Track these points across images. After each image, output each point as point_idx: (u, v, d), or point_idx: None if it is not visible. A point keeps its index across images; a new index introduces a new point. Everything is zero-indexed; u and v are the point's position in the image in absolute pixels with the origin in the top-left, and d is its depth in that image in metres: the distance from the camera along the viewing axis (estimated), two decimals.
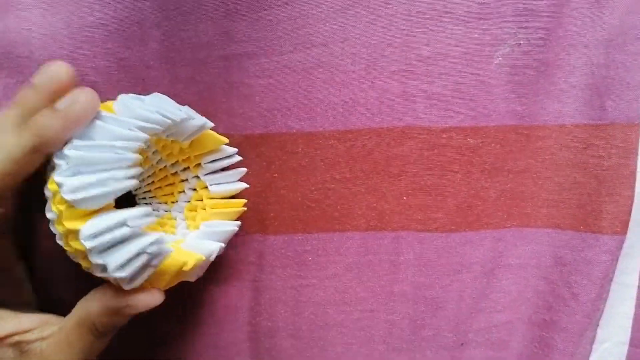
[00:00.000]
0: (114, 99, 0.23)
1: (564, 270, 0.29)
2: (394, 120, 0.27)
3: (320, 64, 0.26)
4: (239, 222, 0.27)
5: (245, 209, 0.27)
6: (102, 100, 0.22)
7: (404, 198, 0.28)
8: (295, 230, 0.28)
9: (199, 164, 0.27)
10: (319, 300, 0.28)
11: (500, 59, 0.27)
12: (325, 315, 0.29)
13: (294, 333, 0.29)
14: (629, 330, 0.30)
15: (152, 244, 0.21)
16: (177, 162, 0.26)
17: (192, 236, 0.25)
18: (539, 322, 0.30)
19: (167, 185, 0.27)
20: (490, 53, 0.27)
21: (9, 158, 0.21)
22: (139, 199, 0.27)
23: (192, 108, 0.25)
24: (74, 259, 0.22)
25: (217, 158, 0.26)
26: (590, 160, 0.28)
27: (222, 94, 0.27)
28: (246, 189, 0.28)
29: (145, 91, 0.27)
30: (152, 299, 0.22)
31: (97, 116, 0.21)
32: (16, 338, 0.23)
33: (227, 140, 0.26)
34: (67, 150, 0.20)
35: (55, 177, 0.20)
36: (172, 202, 0.27)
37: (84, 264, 0.21)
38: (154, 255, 0.21)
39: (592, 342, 0.30)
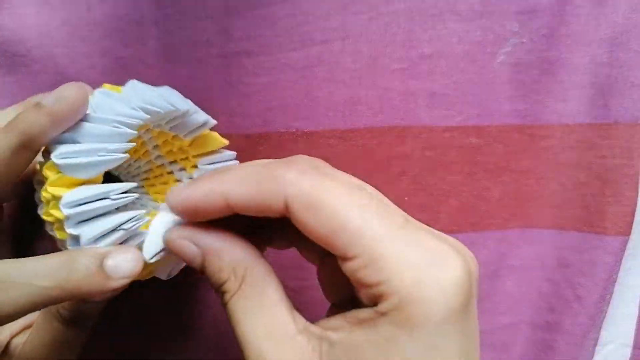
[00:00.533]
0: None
1: (567, 272, 0.29)
2: (395, 119, 0.27)
3: (320, 62, 0.26)
4: None
5: None
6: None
7: (406, 198, 0.28)
8: None
9: (196, 166, 0.26)
10: (319, 302, 0.28)
11: (503, 57, 0.27)
12: None
13: None
14: (633, 332, 0.30)
15: (129, 220, 0.20)
16: (174, 161, 0.26)
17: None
18: (541, 324, 0.29)
19: (161, 184, 0.27)
20: (493, 51, 0.26)
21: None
22: (131, 192, 0.27)
23: (174, 90, 0.25)
24: (49, 232, 0.21)
25: (214, 161, 0.26)
26: (594, 160, 0.28)
27: (221, 92, 0.27)
28: None
29: None
30: (103, 283, 0.21)
31: (104, 93, 0.21)
32: (12, 343, 0.23)
33: (227, 142, 0.26)
34: (54, 158, 0.20)
35: (49, 144, 0.20)
36: (162, 201, 0.27)
37: (58, 235, 0.21)
38: (130, 234, 0.21)
39: (595, 344, 0.30)
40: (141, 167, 0.26)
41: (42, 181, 0.21)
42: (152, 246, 0.20)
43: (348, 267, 0.16)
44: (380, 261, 0.16)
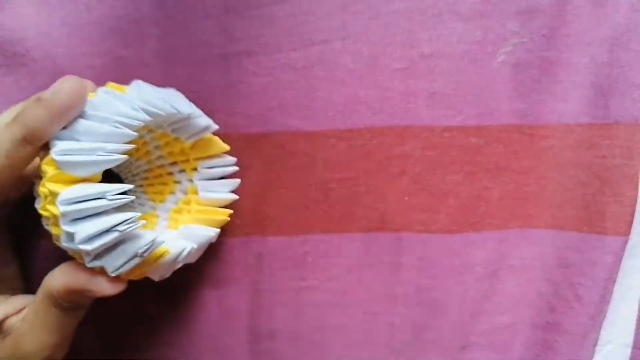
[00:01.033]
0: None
1: (567, 272, 0.29)
2: (395, 119, 0.27)
3: (320, 62, 0.26)
4: (218, 230, 0.26)
5: (229, 219, 0.27)
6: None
7: (406, 198, 0.28)
8: (295, 231, 0.28)
9: (196, 168, 0.26)
10: (319, 302, 0.28)
11: (503, 57, 0.27)
12: (326, 318, 0.28)
13: (294, 335, 0.28)
14: (633, 332, 0.30)
15: (124, 222, 0.20)
16: (175, 162, 0.26)
17: (168, 234, 0.25)
18: (542, 325, 0.29)
19: (160, 184, 0.27)
20: (493, 51, 0.26)
21: (2, 151, 0.21)
22: (126, 192, 0.27)
23: (179, 92, 0.25)
24: (45, 226, 0.22)
25: (215, 165, 0.26)
26: (594, 160, 0.28)
27: (221, 92, 0.27)
28: (245, 189, 0.27)
29: None
30: (111, 287, 0.22)
31: (109, 92, 0.21)
32: (6, 322, 0.23)
33: (228, 148, 0.26)
34: (54, 155, 0.20)
35: (50, 140, 0.20)
36: (160, 201, 0.27)
37: (53, 230, 0.21)
38: (124, 236, 0.21)
39: (595, 345, 0.30)
40: (141, 167, 0.26)
41: (40, 175, 0.21)
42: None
43: None
44: None
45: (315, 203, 0.28)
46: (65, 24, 0.26)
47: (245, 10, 0.26)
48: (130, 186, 0.21)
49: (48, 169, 0.20)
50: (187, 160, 0.26)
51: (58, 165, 0.20)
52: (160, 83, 0.27)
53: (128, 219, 0.20)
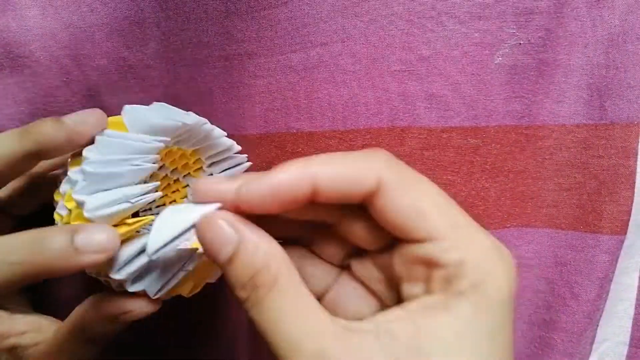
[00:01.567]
0: (114, 103, 0.23)
1: (564, 270, 0.29)
2: (394, 120, 0.27)
3: (320, 64, 0.26)
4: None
5: None
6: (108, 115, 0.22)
7: None
8: None
9: (200, 168, 0.26)
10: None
11: (500, 59, 0.27)
12: None
13: None
14: (629, 330, 0.30)
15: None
16: (176, 168, 0.26)
17: None
18: (538, 322, 0.30)
19: (171, 192, 0.27)
20: (491, 53, 0.27)
21: (5, 159, 0.21)
22: (146, 210, 0.27)
23: (191, 108, 0.25)
24: (89, 273, 0.22)
25: (227, 167, 0.26)
26: (590, 160, 0.28)
27: (222, 94, 0.27)
28: None
29: (145, 91, 0.27)
30: (148, 306, 0.22)
31: (111, 134, 0.21)
32: (12, 340, 0.22)
33: (239, 148, 0.26)
34: (85, 166, 0.20)
35: (75, 194, 0.20)
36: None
37: (103, 277, 0.21)
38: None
39: (592, 342, 0.30)
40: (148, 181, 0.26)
41: (66, 211, 0.21)
42: (156, 240, 0.19)
43: (426, 248, 0.17)
44: (464, 243, 0.17)
45: None
46: (69, 26, 0.26)
47: (246, 12, 0.26)
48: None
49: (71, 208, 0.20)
50: (187, 163, 0.26)
51: (92, 219, 0.20)
52: (161, 84, 0.27)
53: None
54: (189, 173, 0.27)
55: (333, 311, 0.18)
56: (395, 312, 0.17)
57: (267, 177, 0.17)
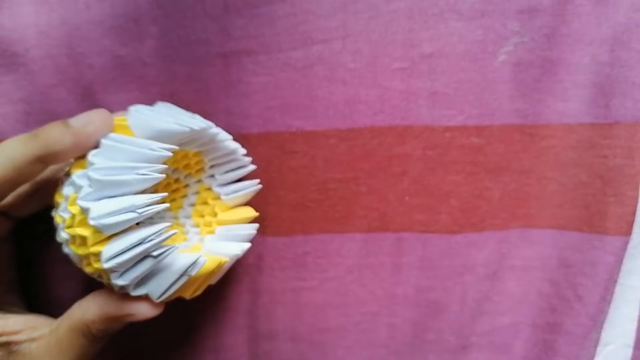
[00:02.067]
0: (111, 101, 0.23)
1: (568, 272, 0.29)
2: (396, 119, 0.27)
3: (320, 61, 0.26)
4: (257, 225, 0.26)
5: (258, 214, 0.27)
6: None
7: (406, 198, 0.28)
8: (295, 231, 0.28)
9: (202, 169, 0.26)
10: (319, 302, 0.28)
11: (504, 56, 0.26)
12: (326, 318, 0.28)
13: (293, 336, 0.28)
14: (634, 332, 0.30)
15: (155, 236, 0.20)
16: (177, 168, 0.26)
17: (209, 240, 0.25)
18: (542, 325, 0.29)
19: (171, 192, 0.27)
20: (494, 50, 0.26)
21: (12, 165, 0.21)
22: None
23: (189, 106, 0.25)
24: (92, 275, 0.22)
25: (230, 169, 0.26)
26: (595, 160, 0.28)
27: (220, 92, 0.27)
28: None
29: (142, 89, 0.27)
30: (152, 309, 0.22)
31: (117, 139, 0.21)
32: (4, 338, 0.22)
33: (244, 152, 0.26)
34: (91, 172, 0.20)
35: (79, 200, 0.20)
36: (178, 208, 0.27)
37: (111, 283, 0.21)
38: (164, 259, 0.21)
39: (596, 345, 0.30)
40: None
41: (69, 214, 0.21)
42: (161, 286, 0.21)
43: None
44: None
45: (315, 203, 0.28)
46: (65, 23, 0.26)
47: (245, 9, 0.26)
48: (168, 223, 0.21)
49: (84, 233, 0.20)
50: (189, 163, 0.26)
51: (99, 229, 0.20)
52: (158, 82, 0.26)
53: (158, 232, 0.20)
54: (190, 173, 0.26)
55: None
56: None
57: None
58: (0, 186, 0.21)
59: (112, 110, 0.22)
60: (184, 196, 0.27)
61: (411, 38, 0.26)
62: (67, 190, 0.21)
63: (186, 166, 0.26)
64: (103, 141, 0.21)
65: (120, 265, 0.20)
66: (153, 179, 0.21)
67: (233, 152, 0.25)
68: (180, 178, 0.26)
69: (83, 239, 0.20)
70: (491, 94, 0.27)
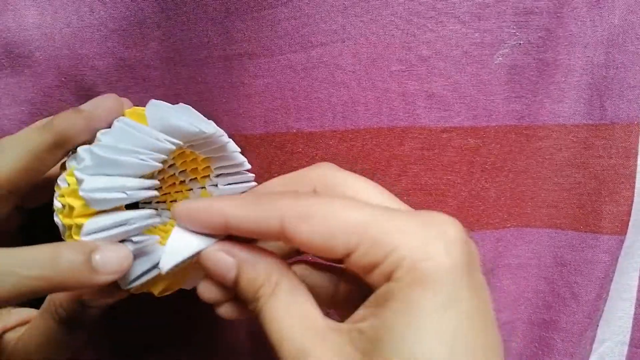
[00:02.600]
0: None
1: (564, 270, 0.29)
2: (394, 120, 0.27)
3: (320, 64, 0.26)
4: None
5: None
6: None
7: (405, 198, 0.28)
8: None
9: (208, 176, 0.26)
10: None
11: (500, 59, 0.27)
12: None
13: None
14: (629, 330, 0.30)
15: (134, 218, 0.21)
16: (185, 170, 0.26)
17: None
18: (539, 322, 0.30)
19: (174, 192, 0.27)
20: (491, 53, 0.27)
21: (32, 154, 0.21)
22: (146, 202, 0.27)
23: (192, 108, 0.25)
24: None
25: (233, 182, 0.26)
26: (590, 160, 0.28)
27: (222, 94, 0.27)
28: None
29: (145, 91, 0.27)
30: (115, 295, 0.22)
31: (129, 124, 0.21)
32: (5, 337, 0.23)
33: (249, 167, 0.26)
34: (94, 147, 0.21)
35: (77, 171, 0.20)
36: (170, 204, 0.27)
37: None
38: (141, 248, 0.21)
39: (592, 342, 0.30)
40: (155, 177, 0.26)
41: (66, 184, 0.21)
42: (169, 258, 0.20)
43: (354, 260, 0.17)
44: (383, 237, 0.17)
45: None
46: (68, 26, 0.26)
47: (247, 12, 0.26)
48: (152, 212, 0.22)
49: (74, 203, 0.20)
50: (196, 168, 0.26)
51: (86, 202, 0.20)
52: (162, 84, 0.27)
53: (141, 217, 0.21)
54: (196, 178, 0.27)
55: (343, 311, 0.20)
56: (361, 310, 0.18)
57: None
58: (23, 176, 0.21)
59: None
60: (185, 198, 0.27)
61: (409, 41, 0.26)
62: (70, 162, 0.22)
63: (193, 170, 0.26)
64: (115, 123, 0.22)
65: (97, 241, 0.20)
66: (150, 165, 0.21)
67: (240, 164, 0.25)
68: (185, 181, 0.27)
69: (71, 209, 0.20)
70: (488, 95, 0.27)
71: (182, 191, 0.27)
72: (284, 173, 0.27)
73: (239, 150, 0.25)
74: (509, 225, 0.29)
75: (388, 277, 0.16)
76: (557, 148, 0.28)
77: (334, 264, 0.21)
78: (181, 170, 0.26)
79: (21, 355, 0.22)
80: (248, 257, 0.19)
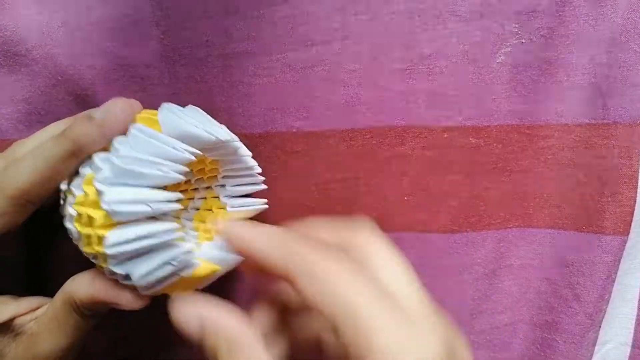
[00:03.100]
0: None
1: (566, 271, 0.29)
2: (395, 120, 0.27)
3: (320, 63, 0.26)
4: None
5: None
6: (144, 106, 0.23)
7: (406, 198, 0.28)
8: None
9: (215, 176, 0.26)
10: None
11: (502, 57, 0.27)
12: None
13: None
14: (632, 331, 0.30)
15: (181, 254, 0.21)
16: (191, 170, 0.26)
17: (207, 246, 0.25)
18: (540, 324, 0.29)
19: (180, 191, 0.27)
20: (492, 51, 0.26)
21: (50, 164, 0.22)
22: None
23: (202, 111, 0.25)
24: (86, 255, 0.22)
25: (241, 183, 0.26)
26: (593, 160, 0.28)
27: (221, 93, 0.27)
28: None
29: (144, 90, 0.27)
30: (136, 301, 0.22)
31: (144, 131, 0.21)
32: (16, 321, 0.23)
33: (259, 170, 0.26)
34: (113, 158, 0.20)
35: (96, 182, 0.20)
36: (181, 209, 0.27)
37: (103, 266, 0.21)
38: (179, 267, 0.21)
39: (594, 344, 0.30)
40: None
41: (81, 192, 0.21)
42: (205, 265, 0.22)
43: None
44: (365, 332, 0.17)
45: (315, 203, 0.28)
46: (66, 24, 0.26)
47: (246, 11, 0.26)
48: (177, 225, 0.21)
49: (94, 214, 0.20)
50: (203, 169, 0.26)
51: (109, 214, 0.20)
52: (161, 83, 0.27)
53: (184, 252, 0.21)
54: (202, 178, 0.26)
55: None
56: None
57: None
58: (40, 187, 0.22)
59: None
60: (191, 198, 0.27)
61: (410, 39, 0.26)
62: (84, 169, 0.22)
63: (200, 170, 0.26)
64: (131, 130, 0.21)
65: (122, 253, 0.20)
66: (172, 178, 0.21)
67: (250, 168, 0.25)
68: (191, 180, 0.26)
69: (91, 219, 0.21)
70: (489, 94, 0.27)
71: (187, 190, 0.27)
72: (283, 173, 0.27)
73: (250, 154, 0.25)
74: (510, 225, 0.28)
75: None
76: (559, 148, 0.28)
77: None
78: (187, 170, 0.26)
79: (41, 339, 0.23)
80: (211, 324, 0.20)
